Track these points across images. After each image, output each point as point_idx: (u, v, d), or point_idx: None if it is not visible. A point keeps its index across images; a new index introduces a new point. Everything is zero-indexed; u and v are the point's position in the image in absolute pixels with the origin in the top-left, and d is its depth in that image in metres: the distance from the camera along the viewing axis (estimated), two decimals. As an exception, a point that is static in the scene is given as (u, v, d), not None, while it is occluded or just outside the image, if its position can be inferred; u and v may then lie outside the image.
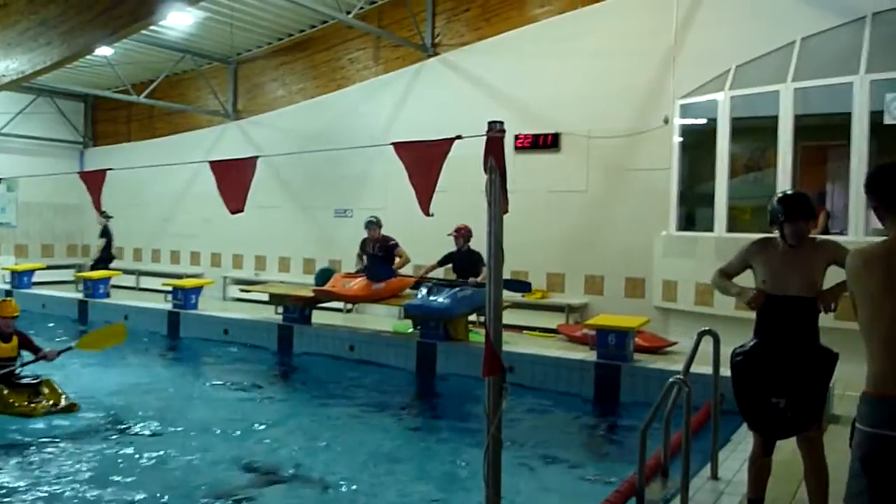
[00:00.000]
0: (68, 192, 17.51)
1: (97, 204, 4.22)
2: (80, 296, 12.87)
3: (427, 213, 2.80)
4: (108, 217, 14.13)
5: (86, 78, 16.18)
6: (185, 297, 11.37)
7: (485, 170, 2.46)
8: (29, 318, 9.75)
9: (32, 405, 7.00)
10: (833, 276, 3.90)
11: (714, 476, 5.13)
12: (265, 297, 11.21)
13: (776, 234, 4.13)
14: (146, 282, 16.40)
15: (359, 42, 14.22)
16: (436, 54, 13.12)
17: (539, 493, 5.38)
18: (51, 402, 7.08)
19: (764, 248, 4.14)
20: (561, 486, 5.65)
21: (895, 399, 2.53)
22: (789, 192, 4.25)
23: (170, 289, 11.99)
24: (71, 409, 7.10)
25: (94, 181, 4.03)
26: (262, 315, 11.23)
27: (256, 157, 3.46)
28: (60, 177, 17.91)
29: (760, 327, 4.13)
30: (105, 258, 14.32)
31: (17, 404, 6.95)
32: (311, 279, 13.37)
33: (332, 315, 11.67)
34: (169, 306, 11.68)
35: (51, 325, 11.74)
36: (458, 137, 2.70)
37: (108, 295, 13.06)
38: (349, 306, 12.69)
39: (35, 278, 14.43)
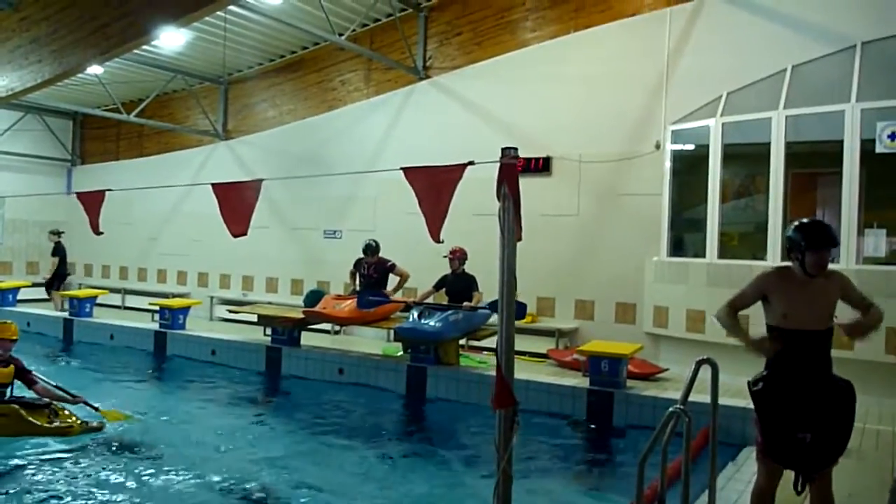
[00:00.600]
0: (54, 209, 17.38)
1: (94, 224, 4.14)
2: (65, 314, 12.70)
3: (437, 240, 2.74)
4: (59, 234, 14.77)
5: (75, 95, 16.09)
6: (172, 316, 11.24)
7: (498, 197, 2.40)
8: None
9: (68, 424, 6.90)
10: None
11: (711, 506, 5.05)
12: (253, 318, 11.09)
13: (793, 263, 4.04)
14: (132, 300, 16.22)
15: (350, 64, 14.22)
16: (427, 77, 13.13)
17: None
18: (78, 422, 6.99)
19: (782, 279, 4.04)
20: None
21: None
22: (807, 220, 4.10)
23: (157, 308, 11.87)
24: (101, 428, 7.03)
25: (92, 201, 3.96)
26: (250, 336, 11.10)
27: (261, 181, 3.39)
28: (47, 195, 17.82)
29: (776, 359, 4.04)
30: (61, 274, 14.79)
31: (49, 424, 6.82)
32: (299, 300, 13.29)
33: (321, 337, 11.57)
34: (156, 326, 11.54)
35: (36, 345, 11.55)
36: (471, 163, 2.65)
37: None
38: (337, 328, 12.59)
39: (19, 296, 14.24)
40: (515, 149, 2.50)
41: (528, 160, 11.81)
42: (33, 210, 17.71)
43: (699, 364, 4.97)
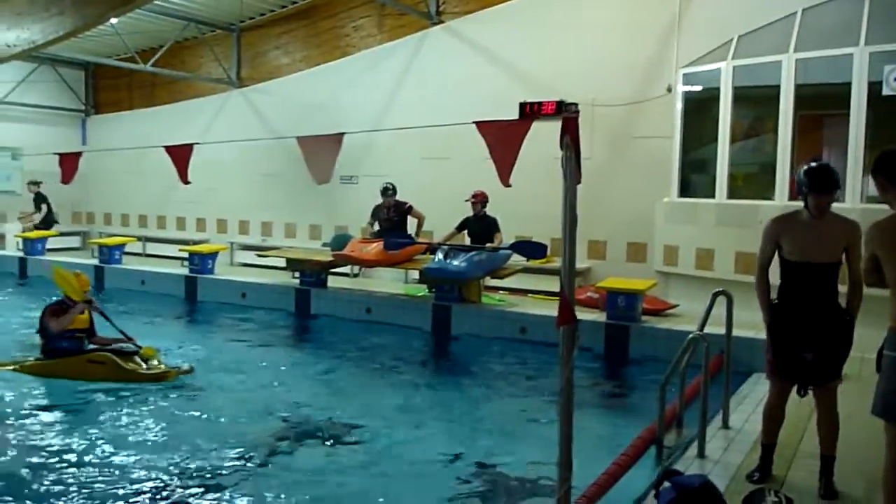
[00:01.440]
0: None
1: (184, 175, 4.51)
2: (95, 262, 13.12)
3: (506, 185, 3.13)
4: (38, 184, 15.28)
5: (87, 45, 16.20)
6: (202, 262, 11.67)
7: (561, 146, 2.78)
8: (46, 285, 10.02)
9: (164, 369, 7.24)
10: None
11: (725, 425, 5.55)
12: (273, 263, 11.51)
13: (801, 206, 4.34)
14: (152, 248, 16.61)
15: (363, 10, 14.35)
16: (440, 22, 13.28)
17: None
18: (172, 367, 7.36)
19: (789, 221, 4.35)
20: (584, 434, 6.08)
21: None
22: (815, 164, 4.33)
23: (185, 255, 12.29)
24: (191, 371, 7.40)
25: (180, 155, 4.31)
26: (278, 279, 11.54)
27: (342, 134, 3.75)
28: (64, 145, 18.04)
29: (785, 290, 4.39)
30: (48, 222, 15.41)
31: (147, 371, 7.17)
32: (317, 244, 13.74)
33: (340, 280, 12.01)
34: (186, 271, 11.98)
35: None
36: (535, 118, 3.01)
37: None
38: (356, 271, 13.03)
39: (47, 245, 14.70)
40: (576, 104, 2.85)
41: (541, 104, 12.07)
42: (51, 161, 17.91)
43: (716, 295, 5.43)
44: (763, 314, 4.46)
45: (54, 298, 7.73)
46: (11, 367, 7.29)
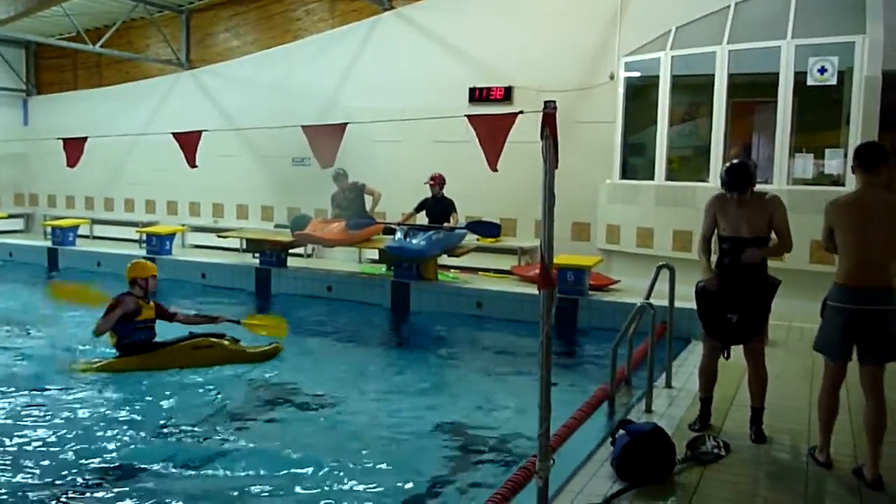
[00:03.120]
0: (12, 142, 17.35)
1: (192, 160, 4.82)
2: (48, 244, 13.12)
3: (494, 170, 3.60)
4: None
5: (30, 24, 15.87)
6: (159, 243, 11.83)
7: (541, 137, 3.24)
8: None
9: (273, 346, 7.48)
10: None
11: (668, 385, 6.17)
12: (226, 244, 11.65)
13: None
14: (100, 230, 16.54)
15: (314, -6, 14.58)
16: (392, 8, 13.59)
17: (524, 401, 6.23)
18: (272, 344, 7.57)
19: (721, 201, 4.96)
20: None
21: (854, 286, 4.27)
22: (734, 163, 4.94)
23: (136, 237, 12.39)
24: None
25: (188, 140, 4.63)
26: (238, 259, 11.79)
27: (345, 124, 4.15)
28: (4, 126, 17.77)
29: (720, 261, 5.00)
30: None
31: (255, 349, 7.37)
32: (269, 226, 14.00)
33: (297, 259, 12.29)
34: (143, 252, 12.12)
35: (23, 274, 12.03)
36: (521, 112, 3.48)
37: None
38: (310, 251, 13.34)
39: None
40: (553, 102, 3.32)
41: (490, 90, 12.58)
42: (-12, 141, 17.64)
43: (660, 268, 6.02)
44: (703, 269, 5.06)
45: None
46: (96, 367, 7.04)
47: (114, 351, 7.21)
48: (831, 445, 4.56)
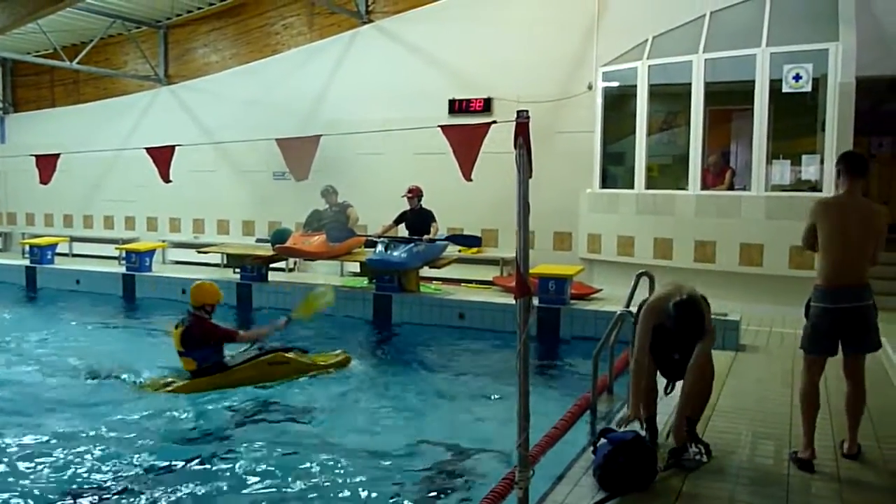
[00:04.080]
0: (-11, 159, 17.22)
1: (165, 175, 4.79)
2: (26, 262, 12.99)
3: (468, 179, 3.59)
4: None
5: (6, 41, 15.77)
6: (139, 259, 11.74)
7: (515, 147, 3.24)
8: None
9: (344, 356, 7.53)
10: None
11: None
12: (206, 259, 11.60)
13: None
14: (80, 248, 16.37)
15: (293, 8, 14.56)
16: (370, 21, 13.63)
17: (507, 412, 6.23)
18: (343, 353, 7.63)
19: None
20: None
21: (835, 287, 4.52)
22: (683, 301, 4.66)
23: (116, 254, 12.29)
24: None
25: (161, 156, 4.60)
26: (218, 275, 11.71)
27: (319, 136, 4.13)
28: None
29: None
30: None
31: (327, 362, 7.38)
32: (251, 240, 13.93)
33: (278, 274, 12.21)
34: (123, 269, 12.01)
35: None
36: (494, 122, 3.47)
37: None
38: (292, 265, 13.28)
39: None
40: (526, 111, 3.32)
41: (470, 101, 12.62)
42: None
43: (639, 276, 6.04)
44: None
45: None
46: (172, 389, 6.91)
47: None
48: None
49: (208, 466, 5.27)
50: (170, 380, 7.08)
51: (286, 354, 7.30)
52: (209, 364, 6.98)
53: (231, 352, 7.30)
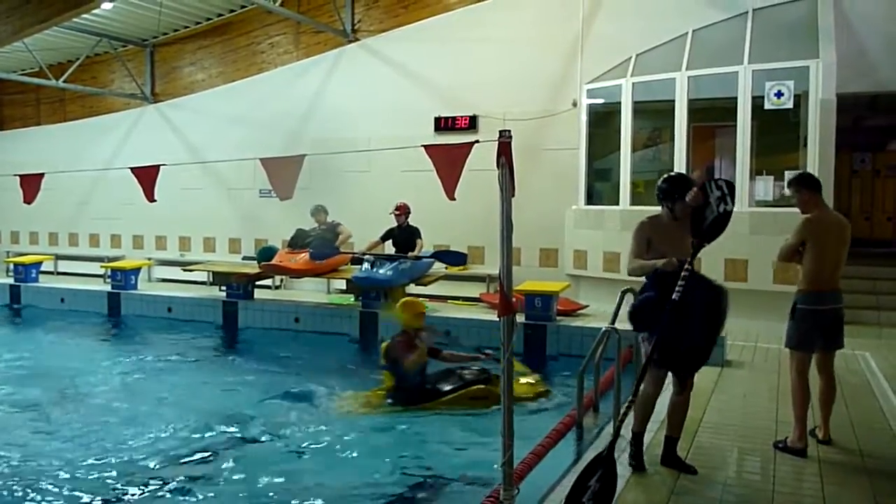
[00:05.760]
0: (-27, 177, 17.11)
1: (150, 195, 4.78)
2: (10, 280, 12.90)
3: (452, 198, 3.60)
4: None
5: (-13, 60, 15.85)
6: (124, 277, 11.68)
7: (497, 166, 3.26)
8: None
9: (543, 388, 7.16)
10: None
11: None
12: (192, 277, 11.56)
13: (662, 210, 4.85)
14: (65, 266, 16.27)
15: (279, 27, 14.62)
16: (356, 40, 13.70)
17: (494, 430, 6.22)
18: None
19: (655, 225, 4.85)
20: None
21: (822, 291, 5.09)
22: (674, 174, 5.02)
23: (102, 272, 12.24)
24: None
25: (146, 175, 4.60)
26: (203, 293, 11.69)
27: (303, 156, 4.15)
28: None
29: (659, 282, 4.70)
30: None
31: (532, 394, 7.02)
32: (237, 258, 13.91)
33: (264, 291, 12.18)
34: (108, 287, 11.95)
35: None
36: (477, 142, 3.49)
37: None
38: (278, 283, 13.26)
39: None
40: (509, 131, 3.35)
41: (455, 118, 12.68)
42: (-48, 178, 17.35)
43: (624, 293, 6.06)
44: (657, 264, 4.68)
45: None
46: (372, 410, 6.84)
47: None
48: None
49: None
50: (367, 396, 7.04)
51: (488, 388, 6.85)
52: (409, 384, 6.89)
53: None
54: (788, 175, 9.96)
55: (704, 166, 11.11)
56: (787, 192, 5.71)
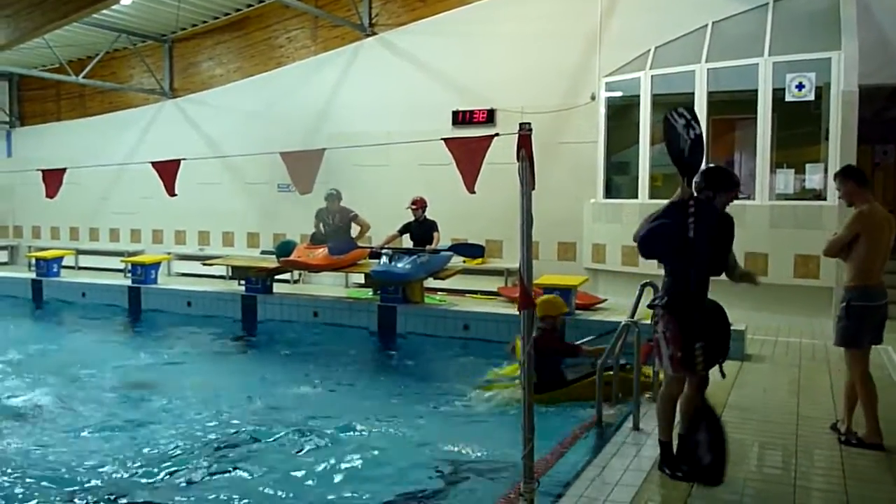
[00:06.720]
0: (-5, 173, 17.32)
1: (171, 189, 4.82)
2: (32, 275, 13.05)
3: (471, 192, 3.60)
4: None
5: (12, 56, 15.89)
6: (145, 272, 11.79)
7: (517, 159, 3.26)
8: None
9: None
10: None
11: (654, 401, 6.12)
12: (211, 271, 11.64)
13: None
14: (86, 261, 16.41)
15: (296, 21, 14.66)
16: (374, 34, 13.70)
17: (515, 424, 6.21)
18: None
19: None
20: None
21: (875, 286, 5.06)
22: (714, 166, 4.99)
23: (121, 266, 12.34)
24: None
25: (167, 169, 4.64)
26: (222, 287, 11.76)
27: (323, 150, 4.16)
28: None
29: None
30: None
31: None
32: (256, 252, 13.97)
33: (283, 285, 12.25)
34: (128, 282, 12.06)
35: (7, 305, 11.96)
36: (497, 135, 3.49)
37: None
38: (296, 277, 13.32)
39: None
40: (529, 123, 3.34)
41: (473, 112, 12.66)
42: (-26, 173, 17.55)
43: (644, 286, 6.02)
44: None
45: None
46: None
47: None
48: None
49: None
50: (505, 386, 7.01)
51: (622, 373, 6.61)
52: (549, 379, 6.74)
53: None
54: (809, 168, 9.93)
55: (724, 160, 11.01)
56: (833, 183, 5.55)
